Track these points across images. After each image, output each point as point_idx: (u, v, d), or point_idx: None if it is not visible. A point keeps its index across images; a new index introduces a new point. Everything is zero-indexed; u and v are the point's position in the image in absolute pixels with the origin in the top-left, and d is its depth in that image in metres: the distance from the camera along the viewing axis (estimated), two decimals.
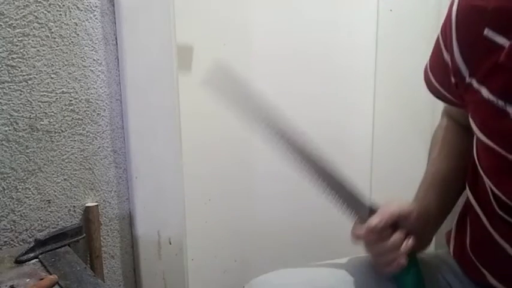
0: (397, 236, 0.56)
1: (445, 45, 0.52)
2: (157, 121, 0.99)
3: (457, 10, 0.49)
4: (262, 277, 0.61)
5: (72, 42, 0.90)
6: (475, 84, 0.48)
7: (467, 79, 0.49)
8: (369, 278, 0.60)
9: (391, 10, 1.31)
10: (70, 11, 0.88)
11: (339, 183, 0.57)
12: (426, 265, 0.62)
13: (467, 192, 0.60)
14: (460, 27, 0.48)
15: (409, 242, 0.56)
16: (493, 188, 0.50)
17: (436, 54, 0.55)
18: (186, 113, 1.01)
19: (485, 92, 0.46)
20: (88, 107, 0.94)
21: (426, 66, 0.60)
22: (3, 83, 0.82)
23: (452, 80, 0.52)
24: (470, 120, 0.51)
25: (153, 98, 0.98)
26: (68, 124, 0.91)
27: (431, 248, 0.63)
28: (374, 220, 0.55)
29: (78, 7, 0.89)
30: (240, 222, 1.24)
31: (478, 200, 0.57)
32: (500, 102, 0.44)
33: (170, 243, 1.03)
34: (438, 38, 0.54)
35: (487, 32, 0.44)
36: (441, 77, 0.56)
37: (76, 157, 0.94)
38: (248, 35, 1.16)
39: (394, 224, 0.56)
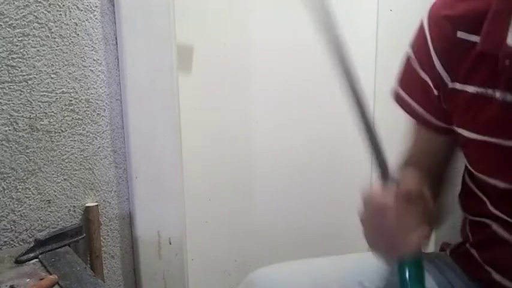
0: (417, 212, 0.48)
1: (421, 63, 0.55)
2: (157, 121, 0.99)
3: (428, 23, 0.54)
4: (262, 270, 0.61)
5: (72, 42, 0.90)
6: (458, 86, 0.51)
7: (450, 85, 0.52)
8: (371, 273, 0.59)
9: (391, 10, 1.32)
10: (70, 11, 0.88)
11: (377, 141, 0.50)
12: (426, 265, 0.62)
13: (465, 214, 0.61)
14: (434, 37, 0.53)
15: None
16: (501, 183, 0.50)
17: (409, 76, 0.58)
18: (186, 112, 1.01)
19: (471, 89, 0.50)
20: (88, 107, 0.94)
21: (397, 91, 0.61)
22: (3, 83, 0.82)
23: (435, 93, 0.54)
24: (459, 130, 0.53)
25: (153, 98, 0.98)
26: (68, 124, 0.91)
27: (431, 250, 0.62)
28: (406, 186, 0.48)
29: (78, 7, 0.89)
30: (240, 223, 1.24)
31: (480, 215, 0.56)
32: (489, 91, 0.48)
33: (170, 243, 1.03)
34: (409, 61, 0.58)
35: (460, 34, 0.50)
36: (421, 96, 0.57)
37: (76, 157, 0.94)
38: (248, 35, 1.16)
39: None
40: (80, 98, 0.92)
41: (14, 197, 0.86)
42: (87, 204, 0.96)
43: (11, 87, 0.83)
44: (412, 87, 0.59)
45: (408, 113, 0.61)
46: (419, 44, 0.56)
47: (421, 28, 0.56)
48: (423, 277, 0.51)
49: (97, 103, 0.95)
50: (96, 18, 0.92)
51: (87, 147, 0.95)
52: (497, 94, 0.47)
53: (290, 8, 1.21)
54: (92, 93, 0.94)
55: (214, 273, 1.22)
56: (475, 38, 0.49)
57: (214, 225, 1.19)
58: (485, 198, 0.55)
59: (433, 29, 0.53)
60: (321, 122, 1.29)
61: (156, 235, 1.04)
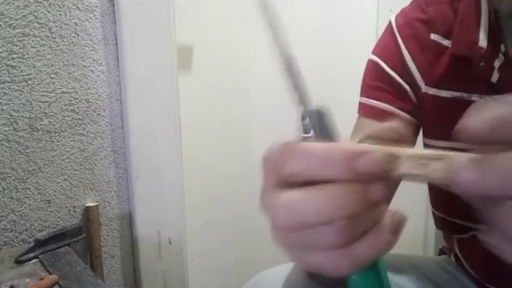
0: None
1: (393, 67, 0.53)
2: (157, 121, 0.99)
3: (399, 26, 0.54)
4: (265, 272, 0.61)
5: (72, 42, 0.90)
6: (431, 91, 0.50)
7: (423, 88, 0.51)
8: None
9: (391, 10, 1.31)
10: (70, 11, 0.88)
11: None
12: (432, 267, 0.61)
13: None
14: (407, 38, 0.52)
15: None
16: None
17: (379, 83, 0.53)
18: (186, 112, 1.01)
19: (445, 93, 0.49)
20: (88, 107, 0.94)
21: (365, 102, 0.55)
22: (3, 83, 0.82)
23: (412, 96, 0.52)
24: (429, 141, 0.52)
25: (153, 98, 0.98)
26: (68, 124, 0.91)
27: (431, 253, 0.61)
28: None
29: (78, 7, 0.89)
30: (240, 222, 1.24)
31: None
32: (465, 95, 0.47)
33: (170, 243, 1.03)
34: (376, 68, 0.53)
35: (433, 36, 0.50)
36: (396, 99, 0.53)
37: (76, 157, 0.94)
38: (248, 35, 1.16)
39: None
40: (80, 98, 0.92)
41: (14, 197, 0.86)
42: (87, 204, 0.96)
43: (11, 87, 0.83)
44: (383, 93, 0.54)
45: (381, 119, 0.54)
46: (389, 49, 0.54)
47: (390, 31, 0.54)
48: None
49: (97, 103, 0.95)
50: (96, 18, 0.92)
51: (87, 147, 0.95)
52: (474, 97, 0.47)
53: (290, 9, 1.21)
54: (92, 93, 0.94)
55: (214, 273, 1.22)
56: (447, 42, 0.49)
57: (214, 225, 1.19)
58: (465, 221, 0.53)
59: (405, 31, 0.53)
60: None
61: (156, 235, 1.04)
